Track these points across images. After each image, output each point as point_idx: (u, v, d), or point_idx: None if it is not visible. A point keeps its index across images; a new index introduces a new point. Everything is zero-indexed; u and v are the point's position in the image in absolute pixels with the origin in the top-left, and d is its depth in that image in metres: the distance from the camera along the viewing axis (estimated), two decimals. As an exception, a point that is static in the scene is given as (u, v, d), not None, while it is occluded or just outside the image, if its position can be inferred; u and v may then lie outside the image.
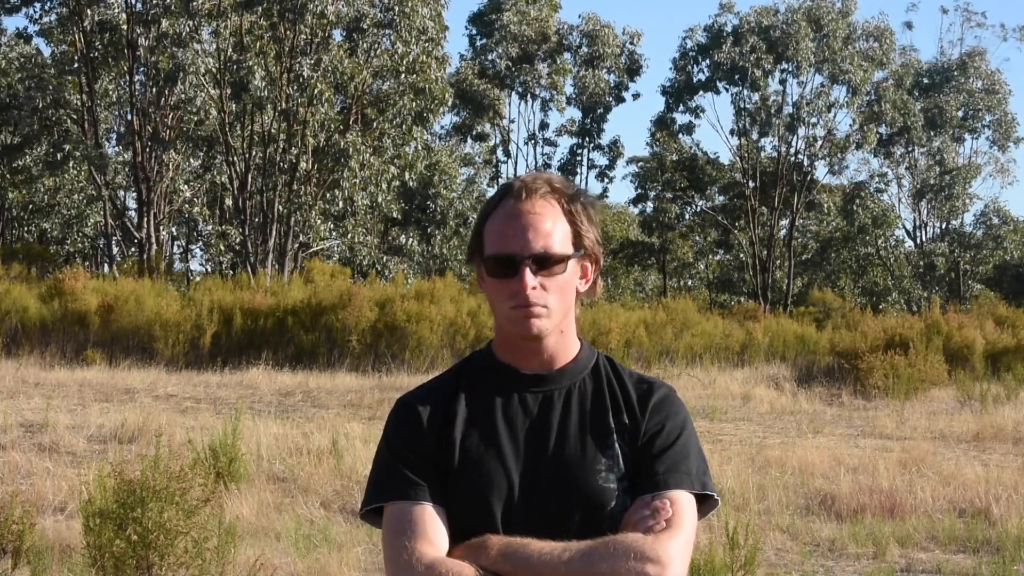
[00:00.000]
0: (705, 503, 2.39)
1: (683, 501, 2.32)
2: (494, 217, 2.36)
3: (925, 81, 53.36)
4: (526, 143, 50.18)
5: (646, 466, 2.33)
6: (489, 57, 47.67)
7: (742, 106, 47.68)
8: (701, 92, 48.34)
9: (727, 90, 47.67)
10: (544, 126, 49.99)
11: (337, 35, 33.93)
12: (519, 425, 2.35)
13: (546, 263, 2.31)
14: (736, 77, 46.66)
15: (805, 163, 48.62)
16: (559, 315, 2.35)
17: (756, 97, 47.35)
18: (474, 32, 48.35)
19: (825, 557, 8.92)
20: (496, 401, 2.37)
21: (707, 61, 47.37)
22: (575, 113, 52.43)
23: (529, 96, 48.93)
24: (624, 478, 2.32)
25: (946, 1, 75.62)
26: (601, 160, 50.87)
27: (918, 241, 55.76)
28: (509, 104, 49.78)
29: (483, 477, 2.33)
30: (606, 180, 50.90)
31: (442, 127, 49.06)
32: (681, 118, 49.18)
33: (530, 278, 2.30)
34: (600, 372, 2.42)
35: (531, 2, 47.25)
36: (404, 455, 2.36)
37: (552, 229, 2.33)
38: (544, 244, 2.32)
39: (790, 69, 46.71)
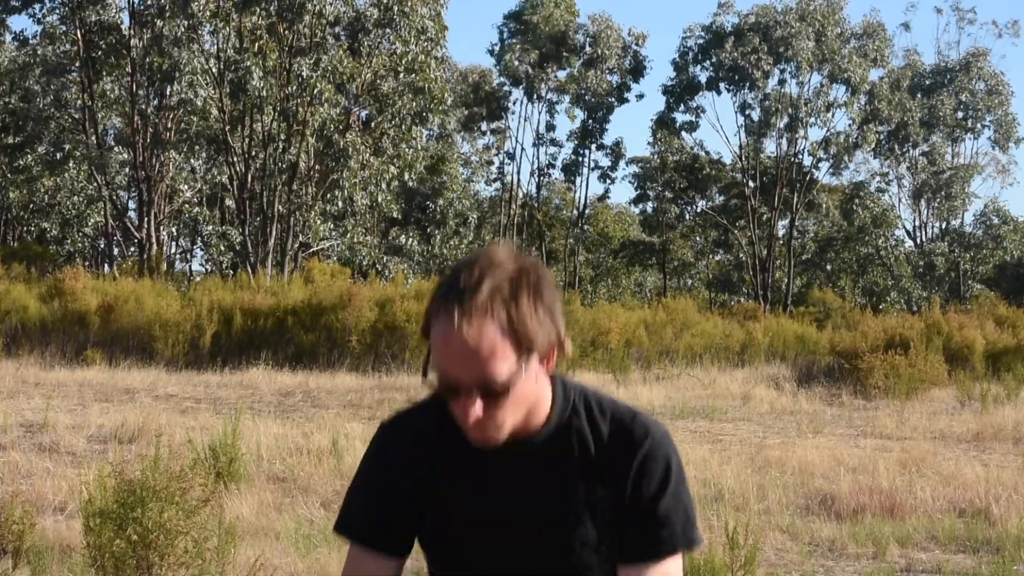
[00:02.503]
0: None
1: (667, 571, 2.25)
2: (435, 324, 2.14)
3: (927, 82, 53.38)
4: (533, 145, 50.35)
5: (630, 529, 2.24)
6: (506, 57, 47.80)
7: (743, 106, 47.71)
8: (702, 92, 48.38)
9: (728, 90, 47.70)
10: (551, 127, 50.11)
11: (342, 36, 33.92)
12: (495, 480, 2.28)
13: (489, 391, 2.14)
14: (736, 77, 46.68)
15: (806, 163, 48.69)
16: (516, 418, 2.21)
17: (755, 97, 47.36)
18: (506, 31, 48.47)
19: (825, 557, 8.92)
20: (465, 463, 2.28)
21: (708, 61, 47.38)
22: (578, 114, 52.52)
23: (536, 97, 49.00)
24: (602, 548, 2.25)
25: (939, 1, 75.81)
26: (604, 162, 50.98)
27: (918, 241, 55.78)
28: (522, 105, 50.00)
29: (449, 544, 2.29)
30: (608, 181, 50.98)
31: (439, 128, 49.18)
32: (682, 118, 49.26)
33: (475, 407, 2.14)
34: (570, 433, 2.28)
35: (557, 5, 47.36)
36: (379, 490, 2.32)
37: (492, 353, 2.11)
38: (483, 374, 2.11)
39: (789, 69, 46.75)
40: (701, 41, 47.68)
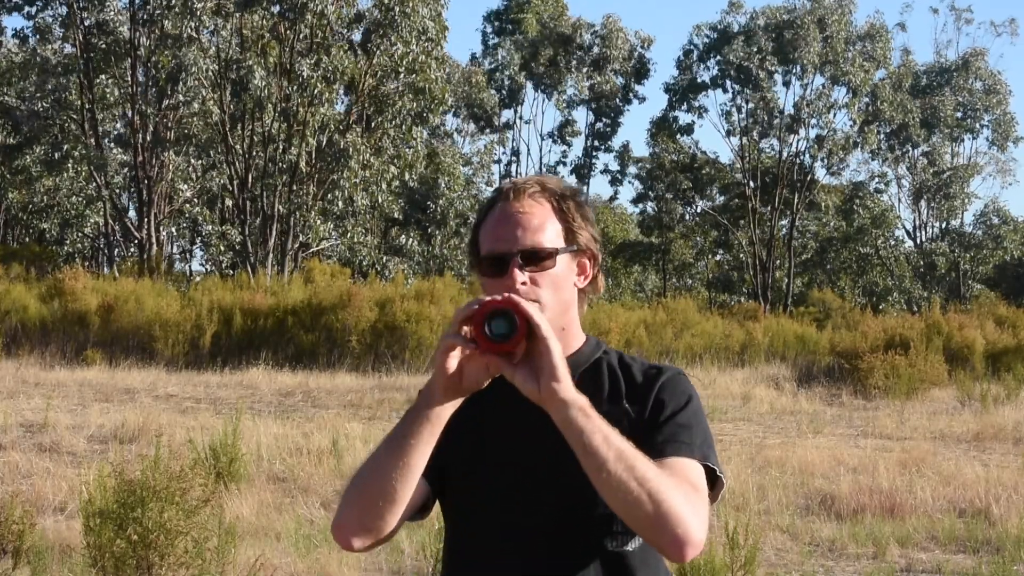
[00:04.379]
0: (712, 487, 2.35)
1: (687, 466, 2.27)
2: (487, 220, 2.41)
3: (924, 82, 53.38)
4: (541, 142, 50.46)
5: (645, 439, 2.29)
6: (504, 56, 47.85)
7: (744, 106, 47.66)
8: (705, 92, 48.27)
9: (734, 90, 47.60)
10: (561, 129, 50.20)
11: (351, 37, 33.91)
12: (515, 420, 2.36)
13: (535, 258, 2.34)
14: (741, 77, 46.63)
15: (806, 164, 48.64)
16: (555, 310, 2.35)
17: (757, 98, 47.31)
18: (489, 30, 48.48)
19: (825, 557, 8.92)
20: (497, 396, 2.37)
21: (716, 58, 47.28)
22: (582, 114, 52.65)
23: (541, 96, 49.10)
24: None
25: (935, 1, 76.09)
26: (613, 164, 51.27)
27: (918, 241, 55.78)
28: (534, 104, 50.18)
29: (474, 471, 2.36)
30: (617, 184, 51.21)
31: (441, 126, 49.17)
32: (684, 117, 49.25)
33: (519, 274, 2.32)
34: (602, 364, 2.42)
35: (543, 3, 47.37)
36: None
37: (541, 225, 2.37)
38: (532, 240, 2.35)
39: (794, 71, 46.70)
40: (708, 40, 47.62)
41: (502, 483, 2.34)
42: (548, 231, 2.36)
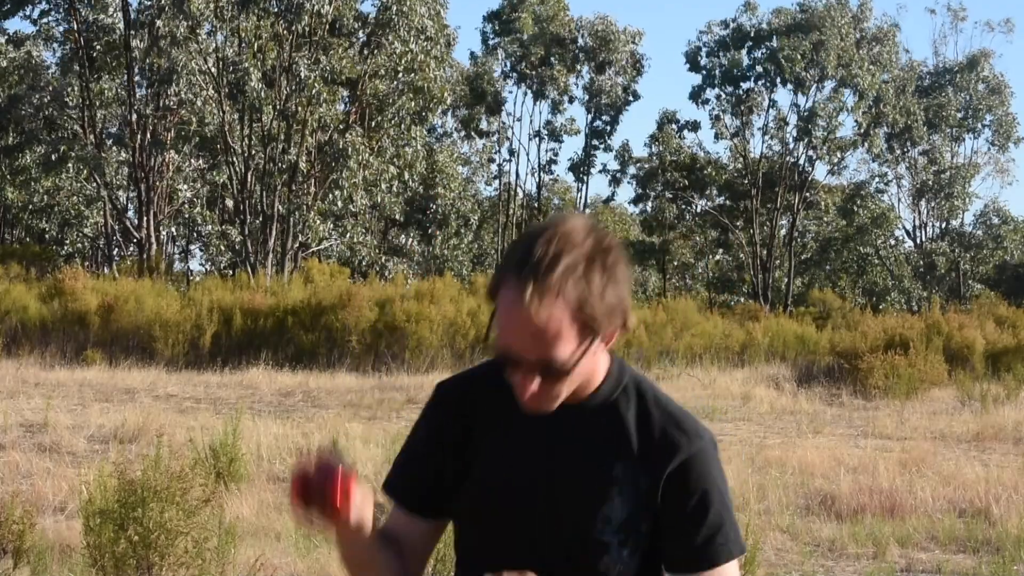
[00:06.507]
0: None
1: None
2: (503, 293, 2.09)
3: (927, 83, 53.37)
4: (530, 139, 50.38)
5: (680, 536, 2.19)
6: (501, 55, 47.87)
7: (760, 107, 47.64)
8: (741, 84, 47.96)
9: (750, 90, 47.53)
10: (558, 129, 50.15)
11: (349, 37, 33.92)
12: (523, 453, 2.23)
13: (550, 372, 2.11)
14: (774, 78, 46.59)
15: (805, 164, 48.63)
16: (570, 390, 2.18)
17: (791, 101, 47.36)
18: (488, 30, 48.43)
19: (825, 557, 8.93)
20: (509, 422, 2.24)
21: (763, 52, 47.10)
22: (580, 113, 52.61)
23: (538, 95, 49.02)
24: (624, 531, 2.19)
25: (931, 2, 76.17)
26: (612, 164, 51.31)
27: (918, 241, 55.79)
28: (524, 103, 50.07)
29: (477, 505, 2.25)
30: (616, 184, 51.24)
31: (440, 127, 49.14)
32: (699, 113, 49.28)
33: (533, 385, 2.12)
34: (619, 408, 2.23)
35: (542, 2, 47.30)
36: (415, 450, 2.32)
37: (558, 335, 2.07)
38: (547, 355, 2.08)
39: (813, 75, 46.66)
40: (718, 38, 47.53)
41: (504, 520, 2.22)
42: (564, 341, 2.08)
